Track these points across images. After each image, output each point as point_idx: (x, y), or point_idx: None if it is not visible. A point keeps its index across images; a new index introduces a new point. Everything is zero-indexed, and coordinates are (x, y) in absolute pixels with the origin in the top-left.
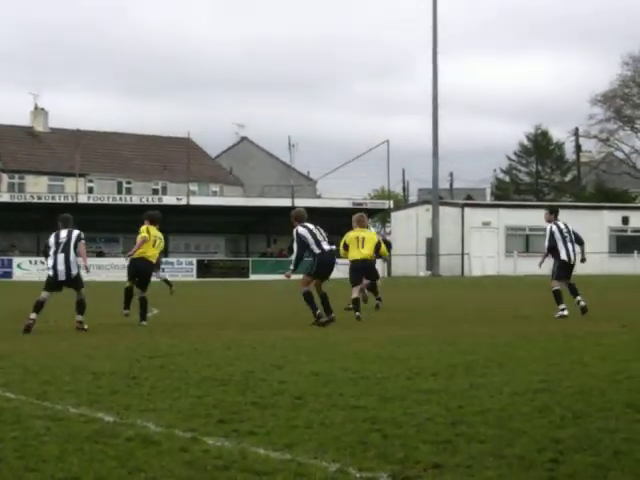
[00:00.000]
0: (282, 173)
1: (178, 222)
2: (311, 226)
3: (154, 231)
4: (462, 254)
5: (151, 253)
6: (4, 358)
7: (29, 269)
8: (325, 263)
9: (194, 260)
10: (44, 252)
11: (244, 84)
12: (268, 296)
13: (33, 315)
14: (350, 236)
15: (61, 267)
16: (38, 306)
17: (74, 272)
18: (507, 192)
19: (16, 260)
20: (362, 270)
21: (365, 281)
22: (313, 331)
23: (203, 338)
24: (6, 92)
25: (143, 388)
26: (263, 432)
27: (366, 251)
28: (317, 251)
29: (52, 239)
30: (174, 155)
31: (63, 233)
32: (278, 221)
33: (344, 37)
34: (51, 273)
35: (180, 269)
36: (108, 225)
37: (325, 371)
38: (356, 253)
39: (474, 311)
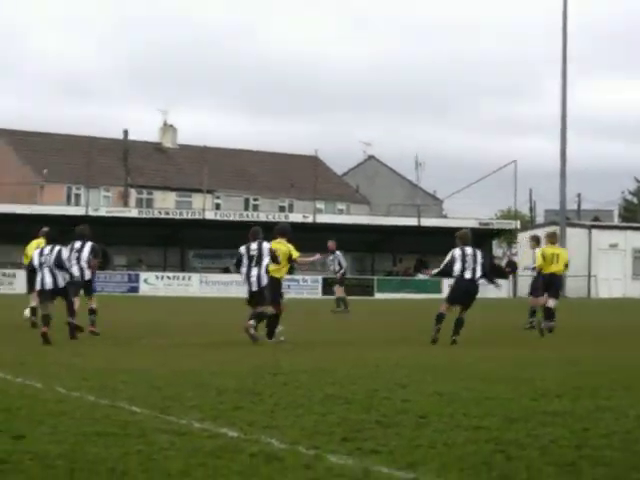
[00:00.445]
0: (408, 192)
1: (304, 240)
2: (469, 250)
3: (275, 245)
4: (589, 276)
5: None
6: (130, 373)
7: (155, 284)
8: (459, 290)
9: (319, 278)
10: (236, 264)
11: (371, 102)
12: (393, 315)
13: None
14: (547, 252)
15: (254, 279)
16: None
17: (263, 284)
18: (635, 214)
19: (143, 275)
20: (549, 284)
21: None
22: (438, 350)
23: (327, 356)
24: (136, 109)
25: (267, 405)
26: (386, 451)
27: (559, 267)
28: (456, 274)
29: (243, 251)
30: (301, 173)
31: (254, 245)
32: (404, 240)
33: (472, 56)
34: (247, 286)
35: (305, 287)
36: (235, 242)
37: (449, 391)
38: (550, 267)
39: (601, 333)
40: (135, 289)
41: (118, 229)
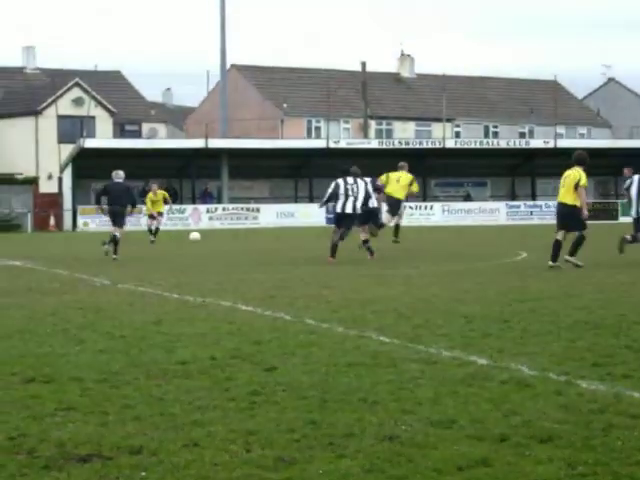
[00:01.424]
0: None
1: (545, 165)
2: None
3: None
4: None
5: (568, 197)
6: (377, 302)
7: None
8: None
9: None
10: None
11: (611, 23)
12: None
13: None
14: None
15: None
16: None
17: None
18: None
19: (385, 205)
20: None
21: None
22: None
23: (573, 281)
24: (373, 39)
25: (515, 331)
26: (638, 375)
27: None
28: None
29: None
30: (541, 98)
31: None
32: None
33: None
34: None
35: (549, 212)
36: (475, 169)
37: None
38: None
39: None
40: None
41: (359, 160)
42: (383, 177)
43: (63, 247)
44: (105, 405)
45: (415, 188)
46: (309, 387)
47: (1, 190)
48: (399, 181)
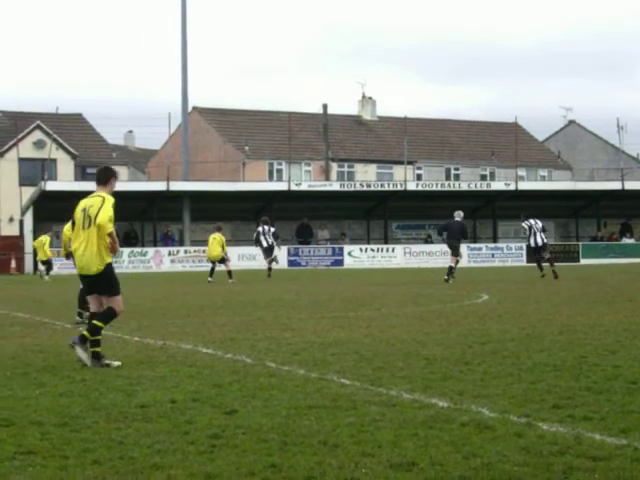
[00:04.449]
0: (611, 156)
1: (506, 207)
2: None
3: None
4: None
5: None
6: (338, 345)
7: (359, 257)
8: None
9: (524, 245)
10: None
11: (570, 66)
12: (599, 280)
13: None
14: None
15: None
16: None
17: None
18: None
19: (347, 248)
20: None
21: None
22: None
23: (534, 323)
24: (335, 82)
25: (476, 374)
26: (598, 417)
27: None
28: None
29: None
30: (502, 140)
31: None
32: (608, 205)
33: None
34: None
35: (510, 254)
36: (437, 212)
37: None
38: None
39: None
40: (339, 262)
41: (320, 203)
42: None
43: (24, 290)
44: (65, 449)
45: None
46: (269, 430)
47: None
48: None
